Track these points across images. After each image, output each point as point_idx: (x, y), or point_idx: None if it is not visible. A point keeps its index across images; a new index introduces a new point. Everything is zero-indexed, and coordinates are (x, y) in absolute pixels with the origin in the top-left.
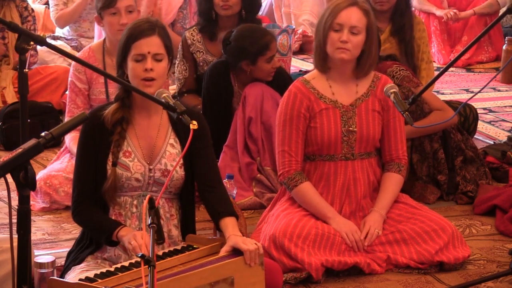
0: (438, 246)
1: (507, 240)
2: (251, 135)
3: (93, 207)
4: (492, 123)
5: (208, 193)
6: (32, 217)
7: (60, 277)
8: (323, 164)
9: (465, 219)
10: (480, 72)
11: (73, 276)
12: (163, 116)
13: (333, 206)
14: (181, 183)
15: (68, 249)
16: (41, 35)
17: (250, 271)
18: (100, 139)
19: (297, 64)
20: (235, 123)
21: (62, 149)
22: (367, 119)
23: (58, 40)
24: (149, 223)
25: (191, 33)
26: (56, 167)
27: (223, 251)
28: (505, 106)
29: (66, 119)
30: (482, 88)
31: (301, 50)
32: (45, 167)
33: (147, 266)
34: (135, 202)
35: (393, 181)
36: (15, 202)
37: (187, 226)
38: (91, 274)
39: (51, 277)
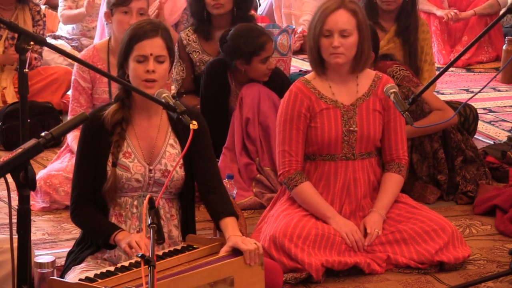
0: (438, 246)
1: (507, 240)
2: (249, 136)
3: (92, 209)
4: (492, 123)
5: (208, 194)
6: (32, 217)
7: (60, 277)
8: (324, 164)
9: (465, 219)
10: (480, 72)
11: (73, 276)
12: (163, 117)
13: (333, 206)
14: (181, 184)
15: (68, 249)
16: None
17: (250, 271)
18: (100, 139)
19: (297, 64)
20: (233, 125)
21: (62, 149)
22: (368, 119)
23: (59, 40)
24: (149, 223)
25: (187, 34)
26: (56, 167)
27: (223, 251)
28: (505, 106)
29: (69, 117)
30: (482, 88)
31: (301, 50)
32: (45, 167)
33: (147, 266)
34: (135, 203)
35: (393, 181)
36: (15, 202)
37: (187, 226)
38: (91, 274)
39: (51, 277)
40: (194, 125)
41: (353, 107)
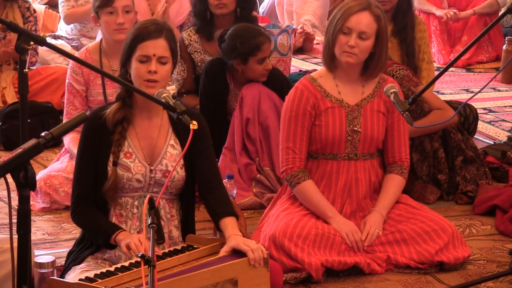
0: (438, 246)
1: (507, 240)
2: (249, 136)
3: (93, 209)
4: (492, 123)
5: (208, 194)
6: (32, 217)
7: (60, 277)
8: (326, 163)
9: (465, 219)
10: (480, 72)
11: (73, 276)
12: (163, 117)
13: (334, 205)
14: (182, 184)
15: (68, 249)
16: (42, 35)
17: (254, 272)
18: (101, 139)
19: (297, 64)
20: (233, 125)
21: (62, 150)
22: (372, 120)
23: (59, 40)
24: (149, 223)
25: (188, 34)
26: (56, 167)
27: (223, 251)
28: (505, 106)
29: (65, 121)
30: (482, 88)
31: (301, 50)
32: (45, 167)
33: (147, 266)
34: (136, 203)
35: (395, 183)
36: (15, 202)
37: (187, 226)
38: (91, 274)
39: (51, 277)
40: (194, 125)
41: (358, 107)
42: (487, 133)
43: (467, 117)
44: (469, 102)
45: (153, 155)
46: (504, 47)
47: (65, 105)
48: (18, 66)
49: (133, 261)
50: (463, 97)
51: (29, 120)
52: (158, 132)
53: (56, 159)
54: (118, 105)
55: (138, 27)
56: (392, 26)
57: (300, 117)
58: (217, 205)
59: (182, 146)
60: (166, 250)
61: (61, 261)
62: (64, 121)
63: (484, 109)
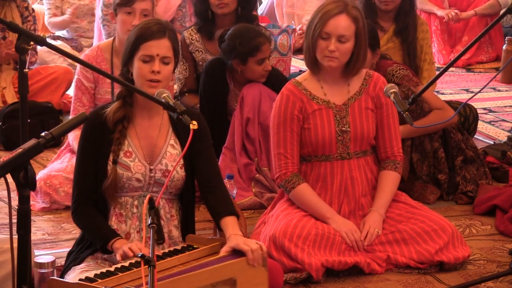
0: (438, 246)
1: (507, 240)
2: (249, 135)
3: (93, 210)
4: (492, 123)
5: (209, 193)
6: (32, 217)
7: (60, 277)
8: (319, 165)
9: (465, 219)
10: (480, 72)
11: (73, 276)
12: (164, 117)
13: (331, 206)
14: (182, 184)
15: (68, 249)
16: (41, 35)
17: (253, 272)
18: (101, 138)
19: (297, 64)
20: (233, 124)
21: (62, 148)
22: (361, 117)
23: (58, 40)
24: (149, 223)
25: (190, 33)
26: (56, 167)
27: (223, 251)
28: (505, 106)
29: (71, 117)
30: (482, 88)
31: (301, 50)
32: (45, 167)
33: (147, 266)
34: (135, 203)
35: (390, 179)
36: (15, 202)
37: (187, 226)
38: (91, 274)
39: (51, 277)
40: (194, 125)
41: (345, 106)
42: (487, 133)
43: (467, 117)
44: (469, 102)
45: (153, 154)
46: (504, 47)
47: (72, 101)
48: (18, 66)
49: (133, 261)
50: (463, 97)
51: (29, 120)
52: (158, 132)
53: (56, 156)
54: (119, 104)
55: (141, 26)
56: (394, 25)
57: (289, 122)
58: (218, 205)
59: (182, 146)
60: (166, 250)
61: (61, 261)
62: (70, 117)
63: (484, 109)
